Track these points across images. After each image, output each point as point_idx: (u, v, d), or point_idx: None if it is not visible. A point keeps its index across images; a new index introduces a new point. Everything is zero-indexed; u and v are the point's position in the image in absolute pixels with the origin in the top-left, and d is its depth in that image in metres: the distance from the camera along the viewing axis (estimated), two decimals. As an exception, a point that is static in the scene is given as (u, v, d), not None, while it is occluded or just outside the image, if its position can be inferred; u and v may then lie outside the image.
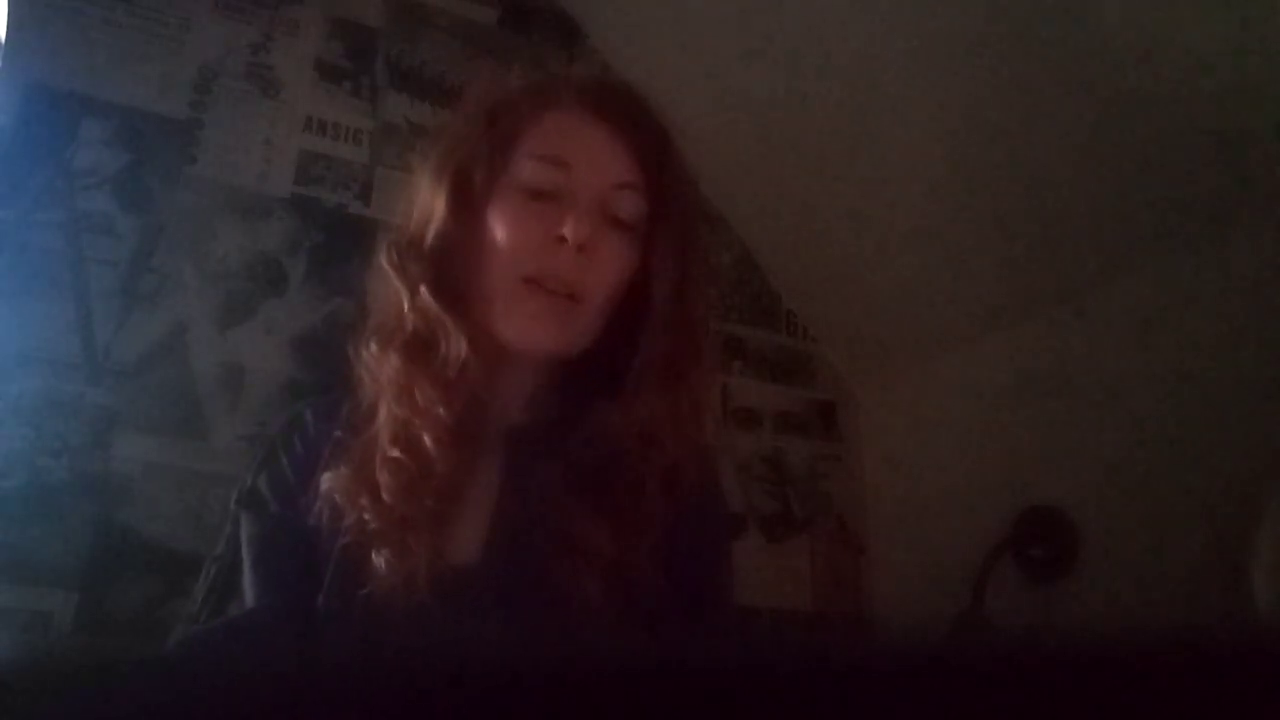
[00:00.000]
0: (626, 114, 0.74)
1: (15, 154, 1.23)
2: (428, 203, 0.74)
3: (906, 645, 0.22)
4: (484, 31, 1.61)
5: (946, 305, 1.51)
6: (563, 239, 0.68)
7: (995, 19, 1.16)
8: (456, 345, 0.68)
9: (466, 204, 0.72)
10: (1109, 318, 1.28)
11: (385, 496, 0.66)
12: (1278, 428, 1.04)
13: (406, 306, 0.71)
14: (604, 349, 0.72)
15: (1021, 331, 1.41)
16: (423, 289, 0.70)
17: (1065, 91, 1.16)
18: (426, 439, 0.67)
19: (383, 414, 0.70)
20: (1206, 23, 1.01)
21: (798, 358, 1.74)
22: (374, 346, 0.71)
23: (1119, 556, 1.20)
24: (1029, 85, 1.19)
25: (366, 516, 0.66)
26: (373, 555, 0.65)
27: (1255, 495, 1.01)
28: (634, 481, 0.67)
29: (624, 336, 0.71)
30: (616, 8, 1.65)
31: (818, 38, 1.36)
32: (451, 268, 0.71)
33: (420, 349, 0.70)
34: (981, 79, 1.23)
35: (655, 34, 1.59)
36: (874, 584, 1.64)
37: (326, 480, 0.68)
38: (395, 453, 0.67)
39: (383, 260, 0.73)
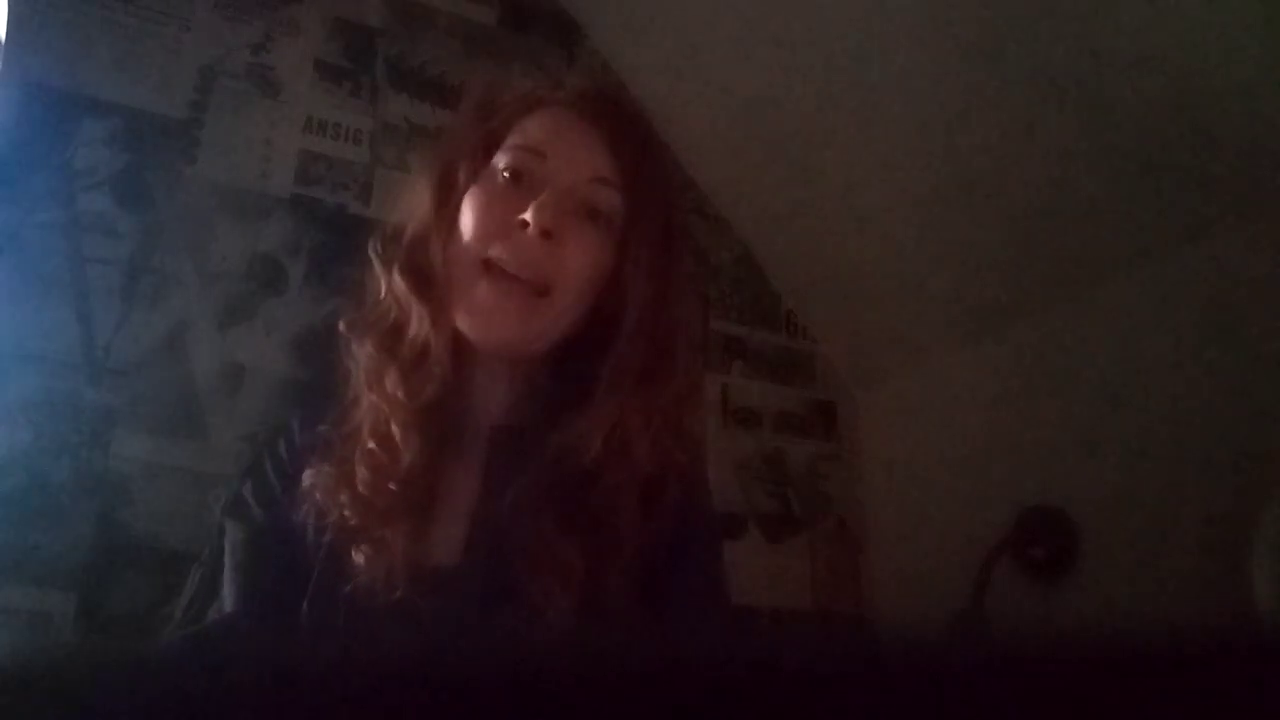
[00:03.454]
0: (609, 114, 0.74)
1: (15, 154, 1.23)
2: (416, 196, 0.75)
3: (906, 645, 0.22)
4: (484, 31, 1.61)
5: (946, 305, 1.51)
6: (525, 224, 0.67)
7: (994, 22, 1.16)
8: (420, 328, 0.69)
9: (448, 196, 0.73)
10: (1109, 317, 1.28)
11: (362, 489, 0.66)
12: (1277, 428, 1.04)
13: (383, 292, 0.72)
14: (585, 352, 0.71)
15: (1021, 331, 1.41)
16: (395, 273, 0.71)
17: (1064, 91, 1.16)
18: (394, 426, 0.67)
19: (363, 404, 0.70)
20: (1206, 24, 1.01)
21: (798, 358, 1.74)
22: (353, 332, 0.72)
23: (1119, 556, 1.20)
24: (1028, 85, 1.19)
25: (346, 513, 0.66)
26: (353, 551, 0.65)
27: (1255, 495, 1.01)
28: (608, 493, 0.67)
29: (604, 340, 0.70)
30: (616, 8, 1.65)
31: (818, 38, 1.36)
32: (425, 254, 0.71)
33: (394, 335, 0.70)
34: (981, 80, 1.23)
35: (655, 34, 1.59)
36: (874, 584, 1.64)
37: (309, 477, 0.68)
38: (371, 444, 0.67)
39: (370, 249, 0.74)
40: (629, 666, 0.20)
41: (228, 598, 0.69)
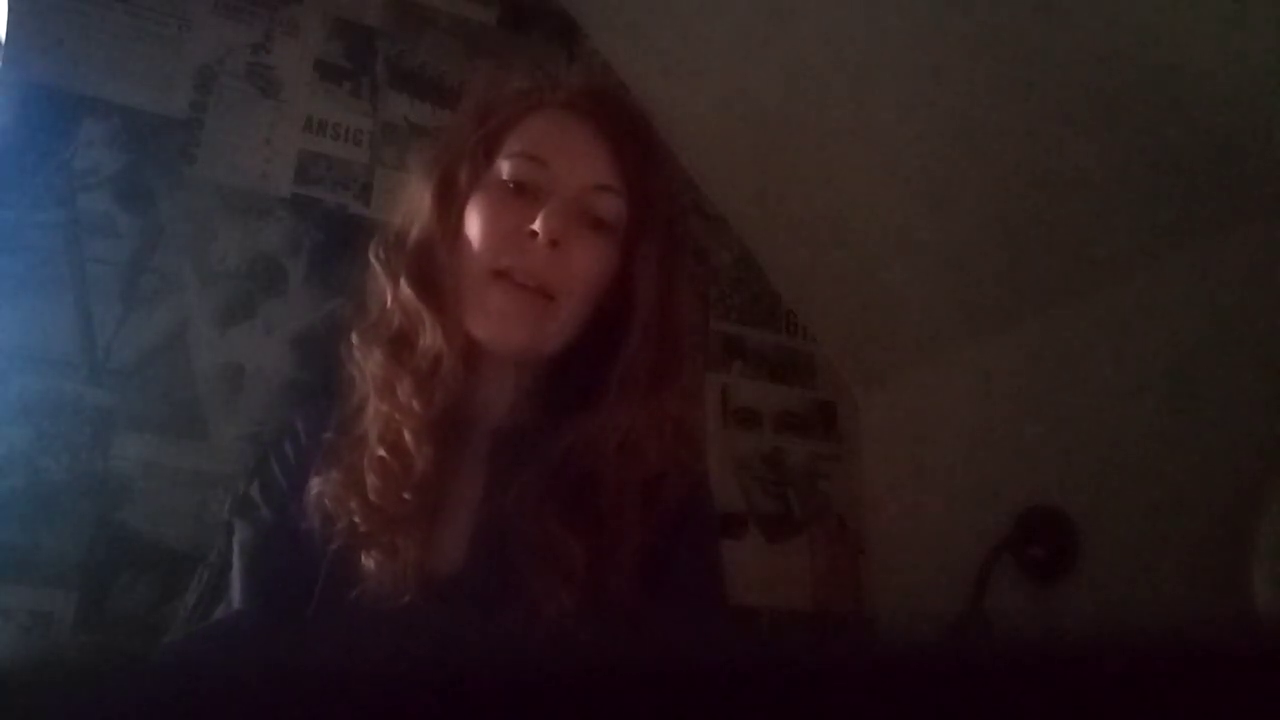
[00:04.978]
0: (610, 118, 0.74)
1: (15, 154, 1.23)
2: (416, 200, 0.75)
3: (906, 645, 0.22)
4: (484, 31, 1.61)
5: (946, 305, 1.51)
6: (534, 234, 0.68)
7: (994, 20, 1.16)
8: (433, 338, 0.69)
9: (450, 201, 0.73)
10: (1109, 318, 1.28)
11: (373, 497, 0.66)
12: (1277, 427, 1.04)
13: (389, 300, 0.72)
14: (589, 355, 0.72)
15: (1021, 331, 1.41)
16: (403, 282, 0.71)
17: (1065, 93, 1.16)
18: (407, 435, 0.67)
19: (370, 411, 0.70)
20: (1205, 22, 1.01)
21: (798, 358, 1.74)
22: (361, 341, 0.72)
23: (1119, 556, 1.20)
24: (1029, 85, 1.19)
25: (356, 519, 0.66)
26: (363, 557, 0.65)
27: (1255, 495, 1.01)
28: (614, 492, 0.67)
29: (609, 343, 0.71)
30: (616, 8, 1.65)
31: (818, 38, 1.36)
32: (432, 262, 0.71)
33: (402, 343, 0.70)
34: (981, 79, 1.23)
35: (655, 34, 1.59)
36: (874, 584, 1.64)
37: (316, 485, 0.68)
38: (381, 452, 0.67)
39: (371, 255, 0.74)
40: (629, 667, 0.20)
41: (235, 597, 0.69)
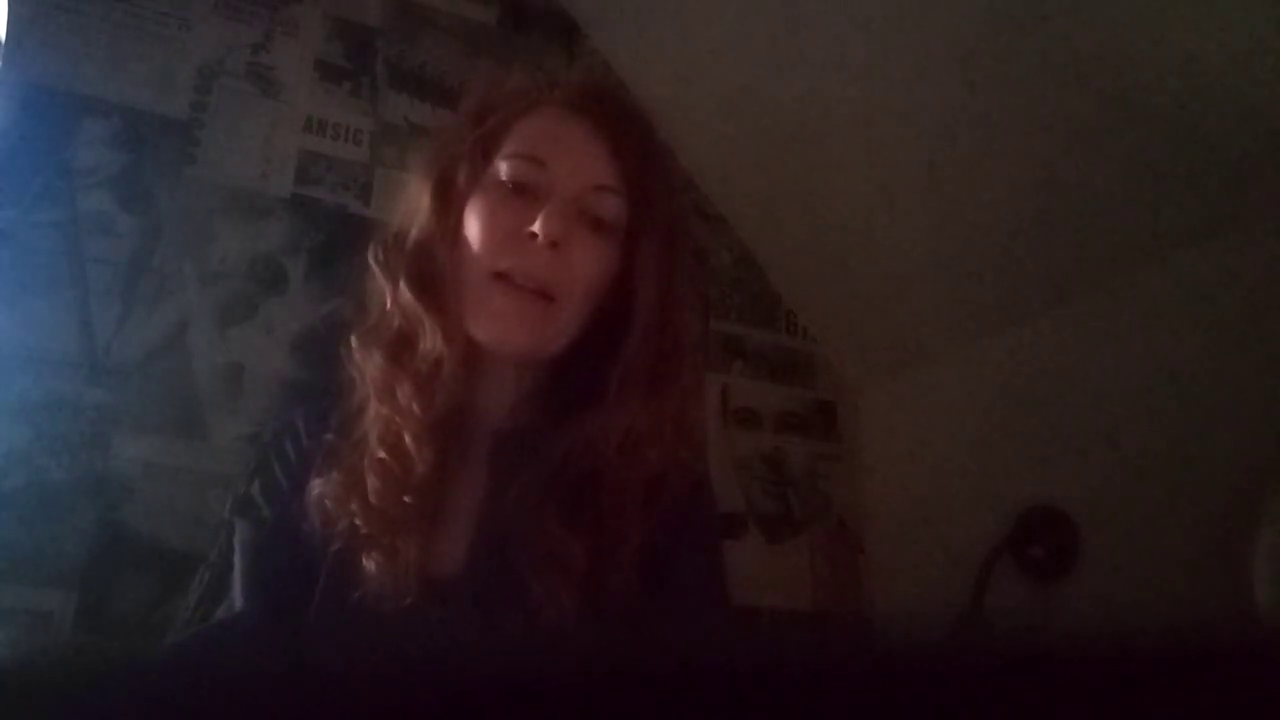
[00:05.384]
0: (609, 116, 0.73)
1: (15, 154, 1.23)
2: (414, 201, 0.75)
3: (906, 645, 0.22)
4: (484, 31, 1.61)
5: (947, 305, 1.51)
6: (534, 235, 0.67)
7: (995, 21, 1.16)
8: (433, 341, 0.68)
9: (448, 202, 0.72)
10: (1109, 318, 1.28)
11: (373, 499, 0.66)
12: (1277, 428, 1.04)
13: (389, 303, 0.71)
14: (590, 354, 0.71)
15: (1022, 331, 1.41)
16: (402, 284, 0.70)
17: (1066, 93, 1.16)
18: (407, 437, 0.67)
19: (370, 413, 0.70)
20: (1206, 24, 1.01)
21: (798, 358, 1.74)
22: (360, 344, 0.72)
23: (1119, 556, 1.20)
24: (1029, 86, 1.19)
25: (357, 521, 0.66)
26: (363, 559, 0.65)
27: (1255, 495, 1.01)
28: (614, 493, 0.67)
29: (609, 343, 0.71)
30: (616, 8, 1.65)
31: (818, 38, 1.36)
32: (431, 265, 0.71)
33: (402, 346, 0.70)
34: (982, 80, 1.23)
35: (655, 34, 1.59)
36: (874, 584, 1.64)
37: (317, 486, 0.68)
38: (381, 454, 0.67)
39: (369, 257, 0.74)
40: (630, 667, 0.20)
41: (235, 597, 0.69)
